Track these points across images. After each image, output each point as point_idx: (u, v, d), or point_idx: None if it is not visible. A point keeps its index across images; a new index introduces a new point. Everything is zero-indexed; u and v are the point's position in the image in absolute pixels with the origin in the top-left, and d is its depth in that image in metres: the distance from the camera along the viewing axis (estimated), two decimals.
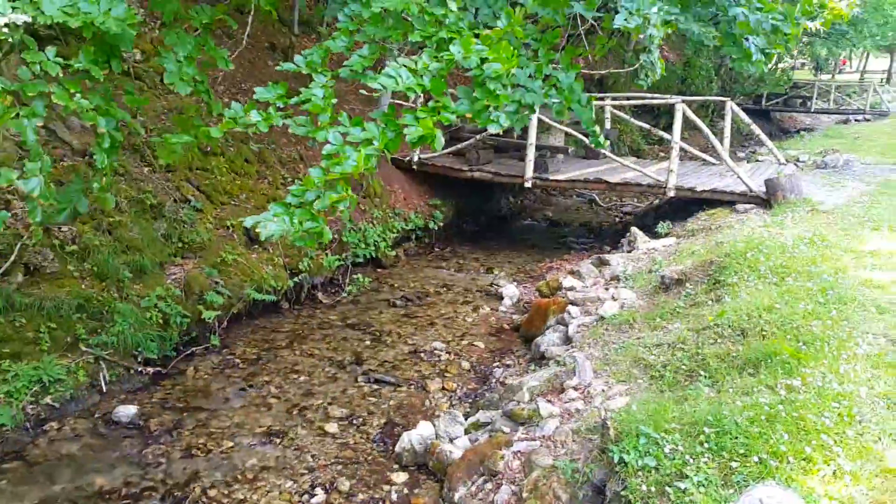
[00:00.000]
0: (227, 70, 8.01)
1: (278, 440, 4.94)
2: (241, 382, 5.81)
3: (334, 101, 2.96)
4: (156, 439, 4.90)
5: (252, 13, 5.92)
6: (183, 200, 7.09)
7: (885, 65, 38.87)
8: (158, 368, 5.87)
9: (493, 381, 5.97)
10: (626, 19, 3.44)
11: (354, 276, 8.43)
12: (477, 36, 2.98)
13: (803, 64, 35.09)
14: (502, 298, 8.16)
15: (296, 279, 7.53)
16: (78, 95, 2.85)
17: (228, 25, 3.61)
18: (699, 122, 9.74)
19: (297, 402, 5.50)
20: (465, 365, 6.34)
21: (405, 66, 2.84)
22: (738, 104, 14.75)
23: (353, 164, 2.73)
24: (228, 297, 6.60)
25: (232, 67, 3.60)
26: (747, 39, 3.93)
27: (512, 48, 2.91)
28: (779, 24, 3.97)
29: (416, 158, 10.71)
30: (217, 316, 6.42)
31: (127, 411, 5.15)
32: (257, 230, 2.74)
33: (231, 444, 4.87)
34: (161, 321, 5.97)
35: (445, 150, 10.65)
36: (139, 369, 5.73)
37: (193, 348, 6.26)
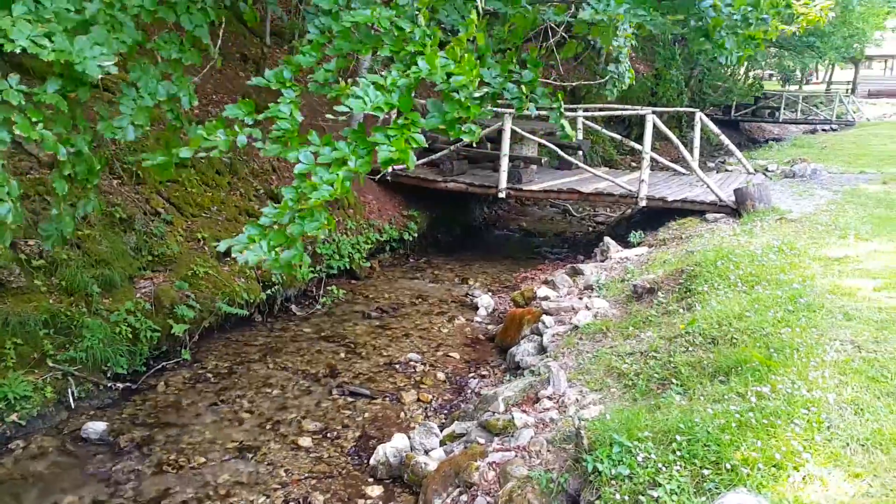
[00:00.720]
0: (198, 83, 7.94)
1: (251, 455, 4.88)
2: (212, 397, 5.73)
3: (300, 118, 2.96)
4: (126, 456, 4.81)
5: (223, 25, 5.89)
6: (153, 213, 7.00)
7: (850, 76, 39.74)
8: (128, 384, 5.78)
9: (469, 391, 5.96)
10: (594, 7, 3.47)
11: (329, 288, 8.39)
12: (443, 46, 3.01)
13: (771, 75, 35.85)
14: (477, 309, 8.16)
15: (269, 292, 7.46)
16: (40, 125, 2.81)
17: (195, 60, 3.57)
18: (669, 133, 9.87)
19: (270, 416, 5.44)
20: (441, 376, 6.32)
21: (373, 83, 2.86)
22: (708, 115, 15.00)
23: (329, 189, 2.73)
24: (199, 310, 6.52)
25: (196, 103, 3.58)
26: (719, 33, 3.98)
27: (475, 58, 2.94)
28: (749, 14, 4.02)
29: (390, 169, 10.71)
30: (188, 330, 6.34)
31: (96, 428, 5.05)
32: (232, 254, 2.72)
33: (203, 459, 4.80)
34: (131, 336, 5.87)
35: (419, 161, 10.67)
36: (108, 385, 5.63)
37: (164, 363, 6.18)
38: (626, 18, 3.75)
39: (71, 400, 5.34)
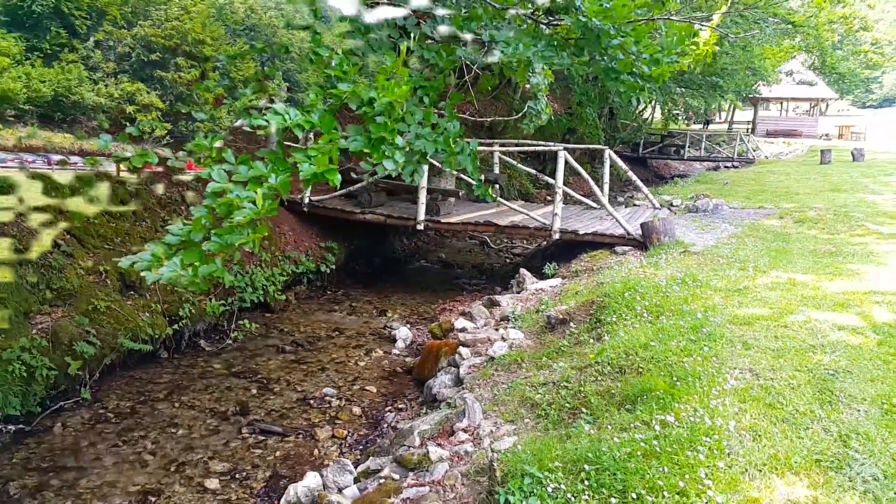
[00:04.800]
0: None
1: (154, 499, 4.64)
2: (113, 438, 5.44)
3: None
4: None
5: None
6: (52, 245, 6.65)
7: (750, 116, 42.25)
8: (21, 426, 5.45)
9: (385, 426, 5.89)
10: (503, 51, 3.57)
11: (241, 322, 8.15)
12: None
13: (676, 114, 37.66)
14: (395, 341, 8.10)
15: (175, 326, 7.19)
16: None
17: None
18: (580, 168, 10.21)
19: (175, 458, 5.20)
20: (357, 410, 6.22)
21: (292, 105, 2.82)
22: (618, 152, 15.61)
23: (252, 208, 2.64)
24: (100, 346, 6.22)
25: None
26: (631, 74, 4.15)
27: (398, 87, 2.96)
28: (659, 57, 4.22)
29: (307, 200, 10.60)
30: (88, 367, 6.03)
31: None
32: (141, 273, 2.59)
33: None
34: (25, 375, 5.53)
35: (337, 193, 10.63)
36: None
37: (62, 403, 5.85)
38: (536, 59, 3.88)
39: None
